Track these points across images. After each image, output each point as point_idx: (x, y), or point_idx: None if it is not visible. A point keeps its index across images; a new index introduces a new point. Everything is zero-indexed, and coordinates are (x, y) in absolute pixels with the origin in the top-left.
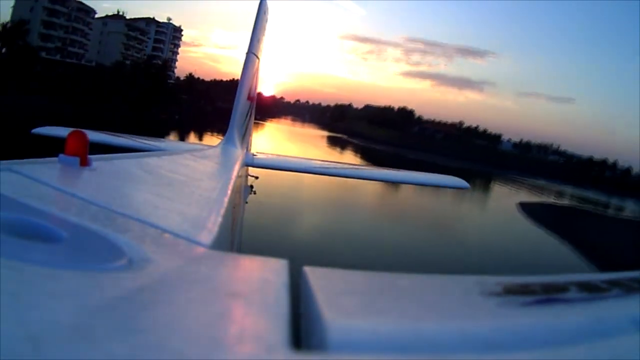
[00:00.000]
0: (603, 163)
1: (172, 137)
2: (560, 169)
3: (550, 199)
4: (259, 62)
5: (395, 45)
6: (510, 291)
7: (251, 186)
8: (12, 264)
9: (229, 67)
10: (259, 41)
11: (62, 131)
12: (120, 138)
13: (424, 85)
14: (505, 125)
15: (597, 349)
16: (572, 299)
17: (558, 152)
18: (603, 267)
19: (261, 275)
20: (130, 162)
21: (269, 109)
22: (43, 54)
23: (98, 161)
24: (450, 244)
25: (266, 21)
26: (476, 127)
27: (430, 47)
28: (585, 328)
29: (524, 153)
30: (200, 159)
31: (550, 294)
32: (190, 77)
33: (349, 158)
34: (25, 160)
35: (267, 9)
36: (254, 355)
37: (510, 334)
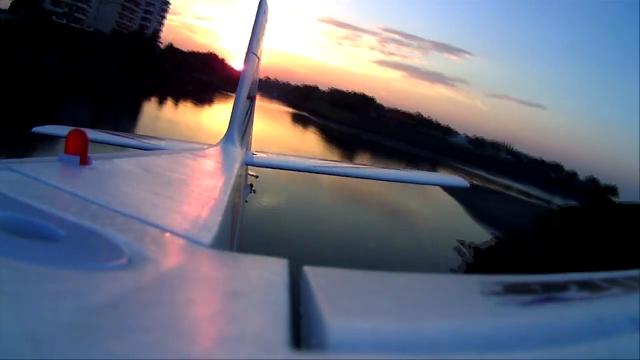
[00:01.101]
0: (550, 165)
1: (155, 103)
2: (508, 166)
3: (473, 183)
4: (259, 62)
5: (373, 33)
6: (510, 290)
7: (251, 185)
8: (12, 264)
9: (206, 39)
10: (258, 41)
11: (62, 130)
12: (120, 137)
13: (396, 75)
14: (471, 122)
15: (597, 349)
16: (572, 298)
17: (511, 152)
18: (481, 220)
19: (261, 275)
20: (131, 161)
21: (237, 81)
22: (53, 18)
23: (98, 160)
24: (382, 202)
25: (266, 21)
26: (430, 119)
27: (407, 39)
28: (585, 328)
29: (477, 148)
30: (200, 158)
31: (550, 293)
32: (171, 48)
33: (309, 134)
34: (25, 159)
35: (267, 8)
36: (254, 355)
37: (510, 333)
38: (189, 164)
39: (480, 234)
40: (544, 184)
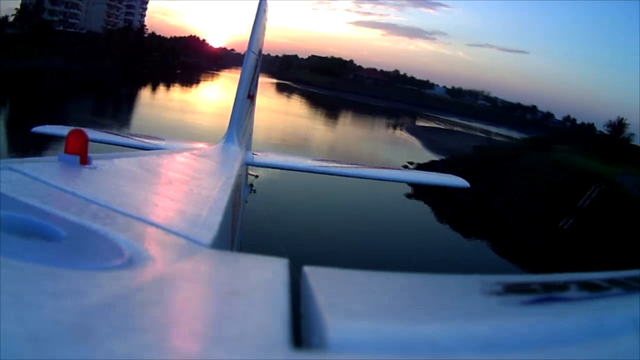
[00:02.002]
0: (526, 107)
1: (155, 89)
2: (484, 111)
3: (435, 125)
4: (258, 61)
5: None
6: (511, 290)
7: (251, 185)
8: (12, 263)
9: (178, 20)
10: (258, 40)
11: (62, 130)
12: (120, 136)
13: (375, 34)
14: (454, 74)
15: (597, 349)
16: (572, 298)
17: (487, 98)
18: (431, 151)
19: (261, 275)
20: (130, 160)
21: (221, 60)
22: (53, 26)
23: (98, 160)
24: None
25: (266, 20)
26: (406, 75)
27: None
28: (585, 327)
29: (454, 97)
30: (200, 158)
31: (550, 293)
32: (155, 36)
33: (293, 100)
34: (25, 158)
35: (267, 8)
36: (255, 354)
37: (510, 333)
38: (188, 164)
39: (426, 158)
40: (518, 125)
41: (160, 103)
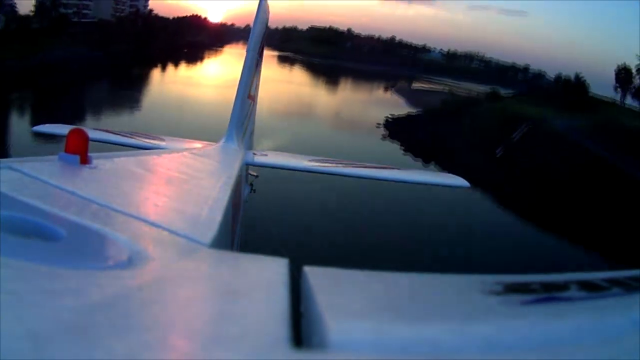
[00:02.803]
0: (518, 68)
1: (170, 68)
2: (478, 73)
3: (425, 87)
4: (259, 60)
5: None
6: (510, 290)
7: (251, 185)
8: (12, 262)
9: (180, 1)
10: (259, 40)
11: (62, 129)
12: (120, 136)
13: (373, 1)
14: (453, 38)
15: (597, 349)
16: (572, 298)
17: (482, 60)
18: (412, 106)
19: (261, 274)
20: (130, 160)
21: (221, 36)
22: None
23: (98, 159)
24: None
25: (266, 20)
26: (402, 41)
27: None
28: (585, 327)
29: (450, 61)
30: (200, 158)
31: (550, 293)
32: (160, 18)
33: (295, 70)
34: (25, 158)
35: (267, 8)
36: (255, 354)
37: (510, 333)
38: (189, 164)
39: (405, 111)
40: (509, 84)
41: (177, 79)
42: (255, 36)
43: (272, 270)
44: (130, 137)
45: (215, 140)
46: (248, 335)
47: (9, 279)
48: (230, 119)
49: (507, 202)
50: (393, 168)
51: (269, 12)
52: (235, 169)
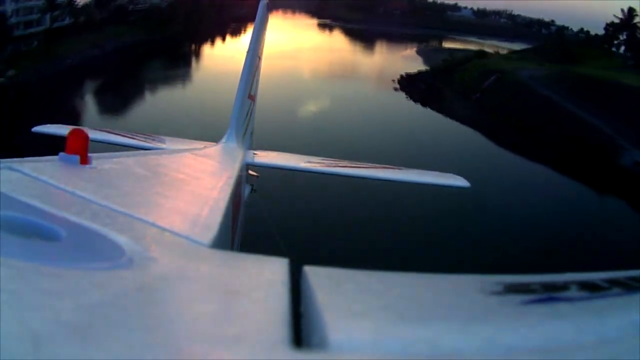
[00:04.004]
0: (543, 23)
1: (218, 42)
2: (505, 29)
3: (448, 46)
4: (259, 61)
5: None
6: (510, 290)
7: (251, 185)
8: (12, 262)
9: None
10: (259, 41)
11: (62, 129)
12: (121, 136)
13: None
14: None
15: (597, 349)
16: (572, 298)
17: (509, 16)
18: (426, 64)
19: (262, 274)
20: (130, 160)
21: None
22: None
23: (98, 160)
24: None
25: (267, 21)
26: (432, 1)
27: None
28: (585, 327)
29: (480, 18)
30: (201, 158)
31: (550, 293)
32: None
33: (335, 36)
34: (25, 158)
35: (267, 8)
36: (255, 354)
37: (510, 333)
38: (189, 164)
39: (419, 68)
40: (532, 40)
41: (225, 52)
42: (255, 37)
43: (272, 270)
44: (131, 138)
45: (216, 140)
46: (248, 335)
47: (9, 279)
48: (231, 119)
49: (475, 127)
50: (393, 168)
51: (268, 13)
52: (235, 169)
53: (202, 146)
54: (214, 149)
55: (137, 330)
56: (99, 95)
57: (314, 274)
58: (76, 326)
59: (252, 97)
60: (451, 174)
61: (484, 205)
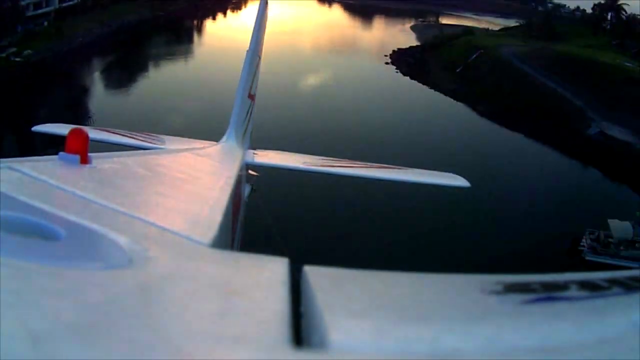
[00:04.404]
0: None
1: (223, 15)
2: (502, 5)
3: (441, 22)
4: (259, 61)
5: None
6: (511, 290)
7: (251, 184)
8: (13, 262)
9: None
10: (259, 40)
11: (62, 129)
12: (121, 136)
13: None
14: None
15: (597, 349)
16: (572, 298)
17: None
18: (418, 40)
19: (261, 274)
20: (130, 160)
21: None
22: None
23: (98, 159)
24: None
25: (266, 20)
26: None
27: None
28: (585, 327)
29: None
30: (201, 158)
31: (550, 293)
32: None
33: (334, 10)
34: (25, 158)
35: (267, 8)
36: (255, 354)
37: (510, 333)
38: (189, 163)
39: (411, 44)
40: (527, 17)
41: (222, 27)
42: (255, 36)
43: (272, 270)
44: (131, 137)
45: (216, 140)
46: (248, 334)
47: (9, 279)
48: (231, 119)
49: (457, 98)
50: (393, 168)
51: (267, 12)
52: (235, 169)
53: (202, 146)
54: (213, 149)
55: (137, 330)
56: (110, 70)
57: (314, 274)
58: (76, 326)
59: (252, 97)
60: (451, 174)
61: (463, 168)
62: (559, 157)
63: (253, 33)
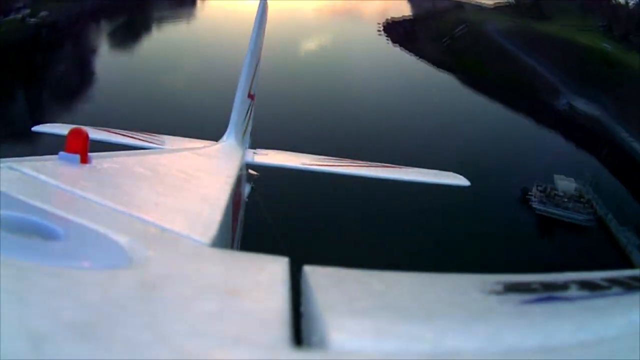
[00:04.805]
0: None
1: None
2: None
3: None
4: (258, 61)
5: None
6: (511, 290)
7: (251, 184)
8: (12, 262)
9: None
10: (259, 40)
11: (62, 129)
12: (121, 136)
13: None
14: None
15: (597, 349)
16: (572, 298)
17: None
18: (415, 12)
19: (262, 274)
20: (130, 160)
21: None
22: None
23: (98, 159)
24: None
25: (266, 20)
26: None
27: None
28: (585, 327)
29: None
30: (200, 157)
31: (550, 292)
32: None
33: None
34: (25, 157)
35: (267, 8)
36: (255, 354)
37: (510, 332)
38: (189, 163)
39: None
40: None
41: None
42: (255, 36)
43: (272, 270)
44: (131, 137)
45: (216, 140)
46: (248, 334)
47: (9, 278)
48: (231, 119)
49: (440, 66)
50: (393, 167)
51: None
52: (235, 169)
53: (202, 145)
54: (213, 148)
55: (137, 330)
56: (121, 30)
57: (314, 273)
58: (76, 325)
59: (251, 96)
60: (451, 173)
61: (439, 131)
62: (529, 124)
63: (252, 33)
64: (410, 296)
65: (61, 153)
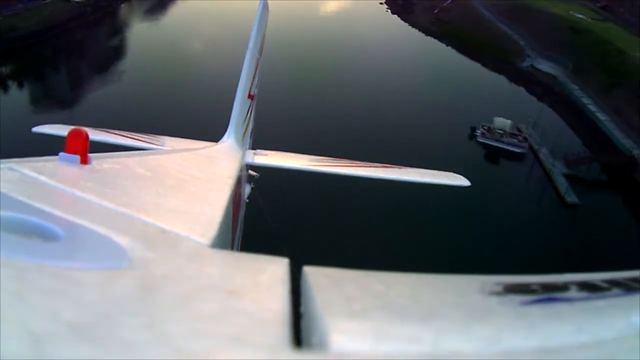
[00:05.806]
0: None
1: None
2: None
3: None
4: (259, 60)
5: None
6: (510, 290)
7: (251, 184)
8: (12, 262)
9: None
10: (259, 40)
11: (62, 129)
12: (121, 137)
13: None
14: None
15: (597, 349)
16: (572, 298)
17: None
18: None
19: (262, 274)
20: (130, 160)
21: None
22: None
23: (98, 159)
24: None
25: (266, 20)
26: None
27: None
28: (584, 328)
29: None
30: (200, 158)
31: (550, 293)
32: None
33: None
34: (25, 158)
35: (267, 8)
36: (255, 354)
37: (510, 333)
38: (189, 164)
39: None
40: None
41: None
42: (255, 36)
43: (272, 270)
44: (131, 138)
45: (216, 141)
46: (248, 335)
47: (9, 279)
48: (231, 119)
49: (431, 34)
50: (394, 167)
51: (268, 12)
52: (235, 169)
53: (202, 146)
54: (213, 149)
55: (137, 330)
56: (157, 8)
57: (314, 274)
58: (76, 326)
59: (251, 97)
60: (452, 173)
61: (424, 81)
62: (501, 79)
63: (253, 32)
64: (410, 297)
65: (61, 154)
